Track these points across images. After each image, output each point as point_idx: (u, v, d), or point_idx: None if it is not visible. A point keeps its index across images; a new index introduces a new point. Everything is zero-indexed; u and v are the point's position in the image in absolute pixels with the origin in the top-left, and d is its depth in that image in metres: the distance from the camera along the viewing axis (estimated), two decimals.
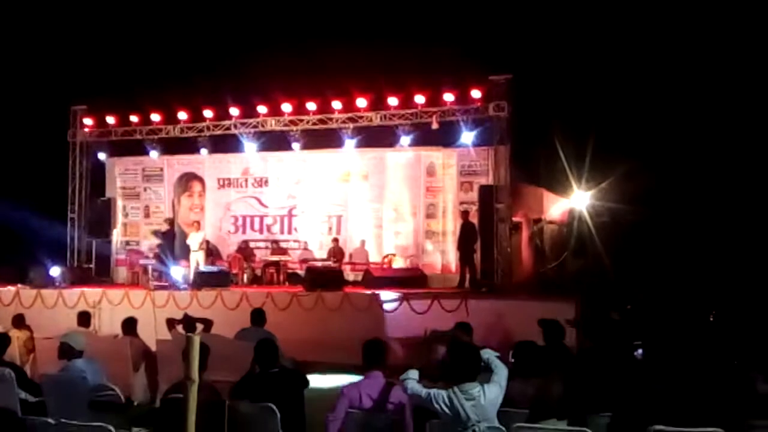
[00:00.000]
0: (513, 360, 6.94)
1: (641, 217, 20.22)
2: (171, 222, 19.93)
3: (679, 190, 20.92)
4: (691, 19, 20.26)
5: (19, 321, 12.50)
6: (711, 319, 13.14)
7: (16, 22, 21.78)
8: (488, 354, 6.08)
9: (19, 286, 17.13)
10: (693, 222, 20.75)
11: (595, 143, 19.61)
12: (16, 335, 11.45)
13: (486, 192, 17.77)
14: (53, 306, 16.25)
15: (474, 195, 18.52)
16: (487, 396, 5.71)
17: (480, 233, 17.58)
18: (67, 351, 7.99)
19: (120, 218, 21.81)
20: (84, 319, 11.80)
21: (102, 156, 21.61)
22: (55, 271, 17.99)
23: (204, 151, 20.73)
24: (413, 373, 6.06)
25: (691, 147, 20.69)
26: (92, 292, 16.47)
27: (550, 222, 21.05)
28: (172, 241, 19.11)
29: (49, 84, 21.35)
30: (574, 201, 20.91)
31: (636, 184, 19.52)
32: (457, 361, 5.90)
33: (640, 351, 9.62)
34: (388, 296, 15.17)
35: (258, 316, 10.82)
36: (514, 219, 18.47)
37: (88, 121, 21.03)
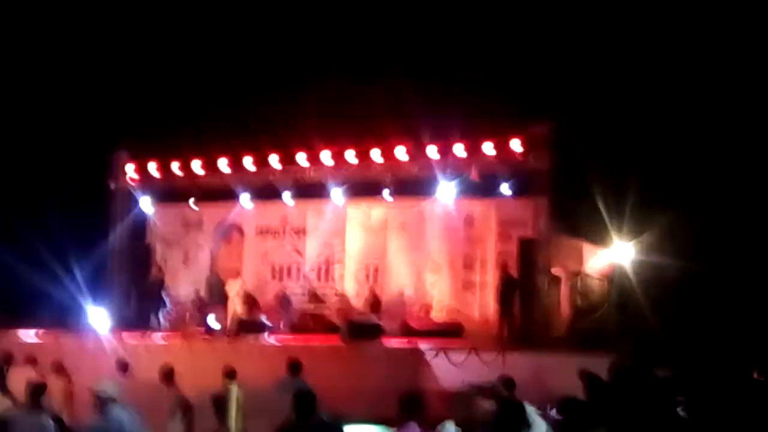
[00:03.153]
0: (562, 417, 6.79)
1: (686, 270, 19.84)
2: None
3: (725, 241, 20.47)
4: (742, 61, 19.96)
5: (58, 368, 12.57)
6: (755, 377, 12.79)
7: (59, 68, 22.24)
8: (528, 409, 5.97)
9: (60, 332, 17.24)
10: (740, 274, 20.27)
11: (637, 192, 19.32)
12: (56, 382, 11.50)
13: (526, 245, 17.64)
14: (93, 352, 16.31)
15: (513, 246, 18.37)
16: None
17: (519, 286, 17.41)
18: (103, 400, 7.99)
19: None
20: (122, 366, 11.85)
21: (143, 203, 21.84)
22: (96, 317, 18.06)
23: (243, 199, 20.89)
24: (450, 426, 5.95)
25: (739, 196, 20.25)
26: (131, 339, 16.52)
27: (590, 275, 20.77)
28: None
29: (91, 131, 21.67)
30: (615, 253, 20.62)
31: (681, 235, 19.17)
32: (502, 416, 5.78)
33: (681, 408, 9.37)
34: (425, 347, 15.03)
35: (295, 366, 10.78)
36: (553, 272, 18.27)
37: (129, 168, 21.28)
